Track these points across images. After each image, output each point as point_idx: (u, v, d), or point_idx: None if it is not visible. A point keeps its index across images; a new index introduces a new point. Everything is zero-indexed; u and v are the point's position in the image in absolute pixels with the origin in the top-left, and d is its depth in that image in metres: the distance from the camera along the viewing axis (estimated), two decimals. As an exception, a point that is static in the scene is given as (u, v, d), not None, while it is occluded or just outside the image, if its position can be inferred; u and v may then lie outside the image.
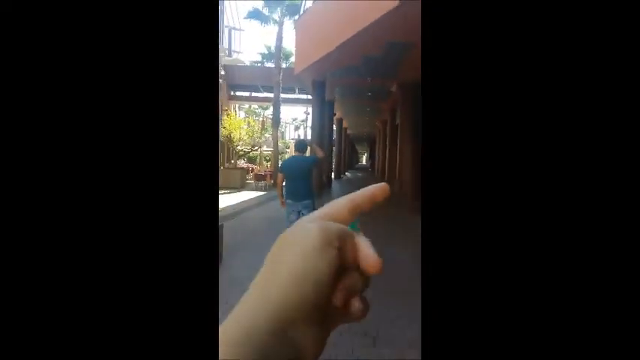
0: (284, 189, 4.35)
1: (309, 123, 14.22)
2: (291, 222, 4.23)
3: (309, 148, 6.34)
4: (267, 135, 20.81)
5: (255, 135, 17.26)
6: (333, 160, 21.42)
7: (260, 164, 22.03)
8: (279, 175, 4.47)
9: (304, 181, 4.32)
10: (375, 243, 0.29)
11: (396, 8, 5.83)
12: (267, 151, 21.06)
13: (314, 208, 4.22)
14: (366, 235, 0.30)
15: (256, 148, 18.40)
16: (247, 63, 27.96)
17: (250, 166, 20.22)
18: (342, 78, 11.72)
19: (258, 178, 14.91)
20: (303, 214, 4.01)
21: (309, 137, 15.43)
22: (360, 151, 60.55)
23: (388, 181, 10.65)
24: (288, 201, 4.33)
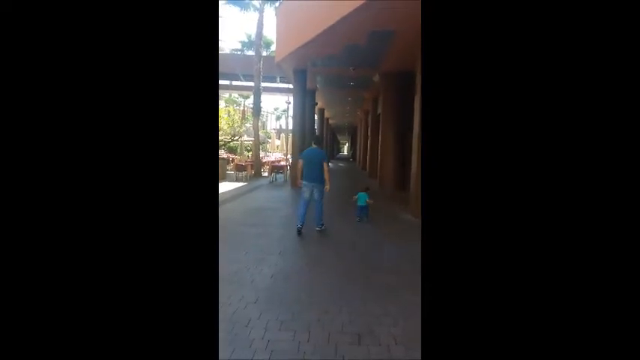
0: (303, 173, 5.81)
1: (291, 112, 14.03)
2: (304, 198, 5.80)
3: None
4: (247, 125, 20.48)
5: (236, 125, 16.95)
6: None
7: (241, 154, 21.73)
8: (299, 162, 5.96)
9: (317, 168, 5.71)
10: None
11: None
12: (248, 140, 20.74)
13: (323, 189, 5.79)
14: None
15: (236, 137, 18.08)
16: (228, 51, 27.38)
17: (231, 156, 19.92)
18: (324, 67, 11.58)
19: (239, 168, 14.69)
20: (314, 192, 5.75)
21: (290, 127, 15.24)
22: (341, 141, 60.48)
23: (369, 171, 10.60)
24: (304, 182, 5.78)
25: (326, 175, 5.71)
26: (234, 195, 9.82)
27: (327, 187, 5.84)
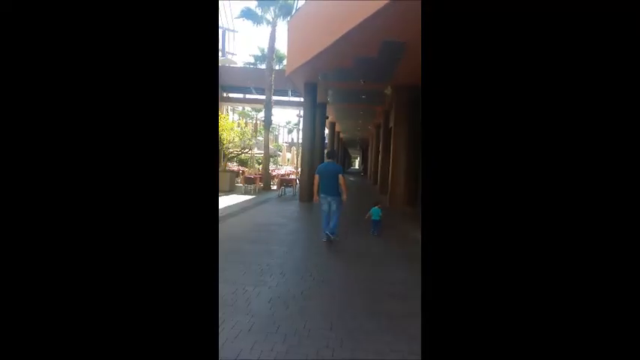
0: (319, 186, 6.13)
1: (302, 126, 13.85)
2: (324, 210, 6.17)
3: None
4: (260, 138, 20.44)
5: (246, 137, 16.86)
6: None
7: (251, 167, 21.63)
8: (316, 176, 6.25)
9: (333, 181, 6.03)
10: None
11: (389, 5, 5.53)
12: (259, 153, 20.63)
13: (340, 201, 6.10)
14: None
15: (247, 150, 17.97)
16: (241, 64, 27.64)
17: (241, 168, 19.81)
18: (335, 80, 11.42)
19: (248, 181, 14.52)
20: (331, 204, 6.06)
21: (300, 140, 15.06)
22: (353, 156, 60.30)
23: (380, 186, 10.62)
24: (322, 195, 6.12)
25: (343, 187, 6.06)
26: (241, 209, 9.59)
27: (345, 196, 6.21)
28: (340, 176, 6.04)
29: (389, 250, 5.84)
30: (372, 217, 7.05)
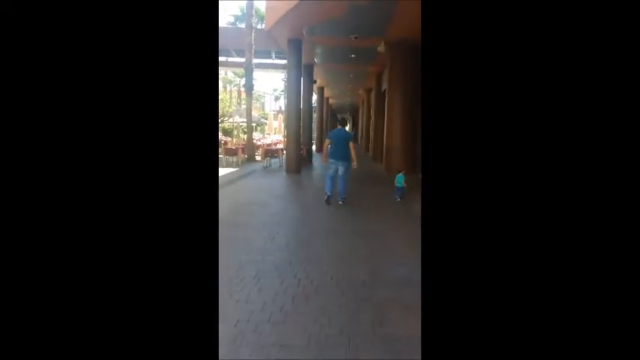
0: (329, 151, 6.65)
1: (287, 90, 12.53)
2: (330, 176, 6.64)
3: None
4: (244, 105, 19.01)
5: (226, 105, 15.49)
6: (314, 133, 19.86)
7: (236, 137, 20.29)
8: (326, 141, 6.82)
9: (344, 147, 6.46)
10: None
11: None
12: (243, 122, 19.26)
13: (348, 167, 6.51)
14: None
15: (227, 118, 16.61)
16: (221, 25, 25.62)
17: (223, 139, 18.48)
18: (322, 36, 10.08)
19: (230, 152, 13.35)
20: (339, 169, 6.49)
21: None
22: (343, 122, 58.82)
23: (373, 154, 10.00)
24: (331, 160, 6.56)
25: (353, 153, 6.44)
26: (223, 183, 8.49)
27: (355, 163, 6.54)
28: (350, 143, 6.46)
29: (400, 234, 4.87)
30: (397, 184, 7.13)
